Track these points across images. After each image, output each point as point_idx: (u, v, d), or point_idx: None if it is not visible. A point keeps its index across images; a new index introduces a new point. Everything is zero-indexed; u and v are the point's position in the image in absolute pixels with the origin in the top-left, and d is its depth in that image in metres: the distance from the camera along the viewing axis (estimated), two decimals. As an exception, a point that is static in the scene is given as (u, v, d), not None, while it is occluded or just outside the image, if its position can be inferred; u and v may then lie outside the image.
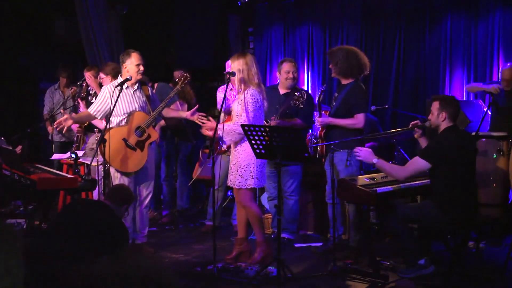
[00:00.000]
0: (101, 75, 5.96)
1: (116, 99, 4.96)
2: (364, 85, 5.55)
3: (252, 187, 4.78)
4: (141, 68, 5.13)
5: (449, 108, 4.41)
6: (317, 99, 5.37)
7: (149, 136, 5.12)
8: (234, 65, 4.79)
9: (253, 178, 4.74)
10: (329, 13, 8.50)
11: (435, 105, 4.43)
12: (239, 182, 4.77)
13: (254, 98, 4.70)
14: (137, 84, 5.20)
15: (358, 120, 5.13)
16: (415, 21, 7.79)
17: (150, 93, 5.31)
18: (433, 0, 7.67)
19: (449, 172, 4.28)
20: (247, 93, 4.71)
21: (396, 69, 7.89)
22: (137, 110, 5.11)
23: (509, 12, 7.08)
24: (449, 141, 4.32)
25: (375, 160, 4.41)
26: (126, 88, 5.10)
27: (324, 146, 5.33)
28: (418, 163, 4.32)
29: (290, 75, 5.64)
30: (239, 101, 4.76)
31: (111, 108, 4.98)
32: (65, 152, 6.93)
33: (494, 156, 5.65)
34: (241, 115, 4.71)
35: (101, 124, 5.40)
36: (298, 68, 8.65)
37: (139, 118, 5.10)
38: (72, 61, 8.02)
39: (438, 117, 4.41)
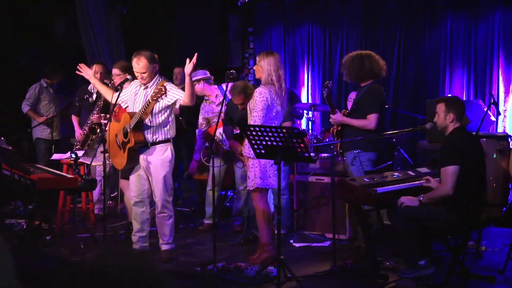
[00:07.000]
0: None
1: (118, 95, 4.96)
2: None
3: (257, 187, 4.79)
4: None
5: (456, 108, 4.39)
6: (322, 94, 5.33)
7: (129, 140, 4.88)
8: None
9: (256, 178, 4.77)
10: (329, 13, 8.51)
11: (441, 107, 4.39)
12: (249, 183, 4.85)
13: (262, 97, 4.69)
14: (152, 82, 4.91)
15: (369, 121, 5.08)
16: (415, 21, 7.80)
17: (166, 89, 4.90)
18: (433, 0, 7.68)
19: (464, 171, 4.25)
20: (256, 92, 4.74)
21: (396, 69, 7.90)
22: (138, 108, 5.01)
23: (509, 12, 7.09)
24: (462, 141, 4.32)
25: (420, 199, 4.33)
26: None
27: (339, 144, 5.31)
28: (449, 172, 4.22)
29: None
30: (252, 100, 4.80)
31: (114, 102, 4.97)
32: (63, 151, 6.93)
33: (494, 156, 5.66)
34: (252, 115, 4.72)
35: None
36: (298, 68, 8.71)
37: (125, 119, 4.97)
38: (72, 61, 8.01)
39: (445, 118, 4.38)
